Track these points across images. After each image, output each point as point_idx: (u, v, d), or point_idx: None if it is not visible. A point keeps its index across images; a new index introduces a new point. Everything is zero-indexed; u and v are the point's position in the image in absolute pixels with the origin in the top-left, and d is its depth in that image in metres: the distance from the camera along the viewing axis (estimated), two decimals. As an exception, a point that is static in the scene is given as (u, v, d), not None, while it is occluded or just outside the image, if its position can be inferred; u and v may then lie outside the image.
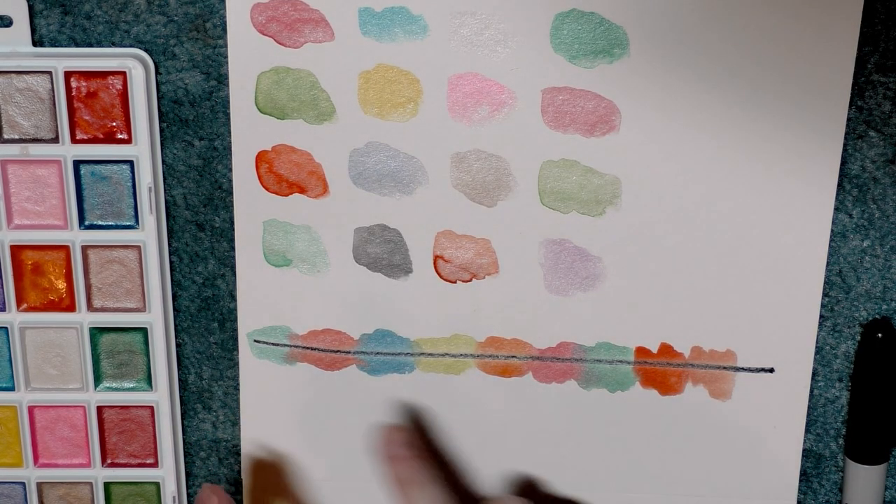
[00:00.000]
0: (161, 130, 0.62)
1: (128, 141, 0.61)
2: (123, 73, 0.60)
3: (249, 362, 0.65)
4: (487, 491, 0.67)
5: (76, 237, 0.63)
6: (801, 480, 0.67)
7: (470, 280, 0.63)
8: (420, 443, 0.63)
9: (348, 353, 0.65)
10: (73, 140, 0.61)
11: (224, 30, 0.60)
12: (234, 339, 0.65)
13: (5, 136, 0.62)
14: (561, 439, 0.66)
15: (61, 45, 0.61)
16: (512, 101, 0.60)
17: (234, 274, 0.64)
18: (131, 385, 0.66)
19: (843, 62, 0.59)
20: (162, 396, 0.65)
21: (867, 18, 0.58)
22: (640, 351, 0.64)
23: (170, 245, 0.64)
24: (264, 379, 0.65)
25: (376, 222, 0.63)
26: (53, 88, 0.61)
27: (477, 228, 0.63)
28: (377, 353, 0.65)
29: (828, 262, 0.63)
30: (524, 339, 0.64)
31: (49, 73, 0.60)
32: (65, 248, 0.63)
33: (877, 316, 0.64)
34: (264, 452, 0.66)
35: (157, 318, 0.64)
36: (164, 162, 0.63)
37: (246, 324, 0.65)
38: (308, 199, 0.62)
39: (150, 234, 0.63)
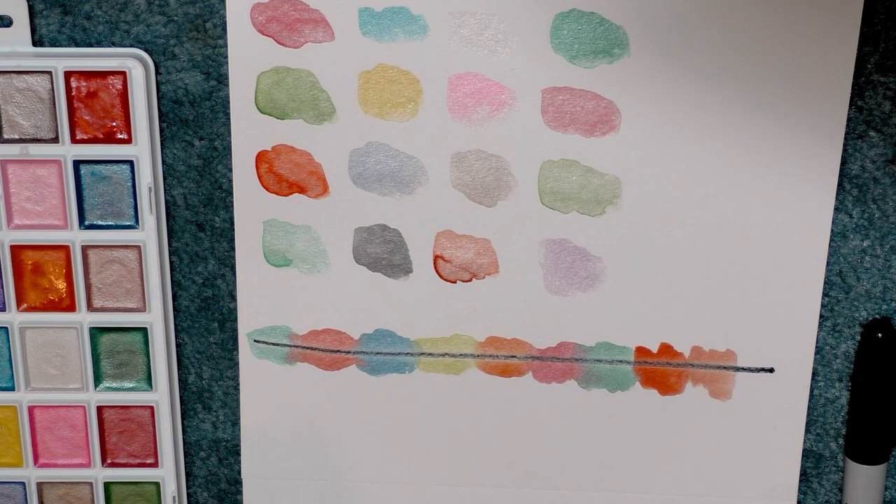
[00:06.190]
0: (161, 130, 0.62)
1: (128, 141, 0.61)
2: (123, 73, 0.60)
3: (249, 362, 0.65)
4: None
5: (76, 237, 0.63)
6: (801, 480, 0.67)
7: (470, 280, 0.63)
8: None
9: (348, 353, 0.65)
10: (73, 140, 0.61)
11: (224, 30, 0.60)
12: (234, 339, 0.65)
13: (5, 136, 0.62)
14: (561, 439, 0.66)
15: (61, 45, 0.61)
16: (512, 101, 0.60)
17: (234, 274, 0.64)
18: (131, 385, 0.66)
19: (843, 62, 0.59)
20: (162, 396, 0.65)
21: (867, 18, 0.58)
22: (640, 351, 0.64)
23: (170, 245, 0.64)
24: (264, 379, 0.65)
25: (376, 222, 0.63)
26: (53, 88, 0.61)
27: (477, 228, 0.62)
28: (377, 353, 0.65)
29: (828, 262, 0.63)
30: (524, 339, 0.64)
31: (49, 73, 0.60)
32: (65, 248, 0.63)
33: (877, 316, 0.64)
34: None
35: (157, 318, 0.64)
36: (164, 162, 0.63)
37: (246, 324, 0.65)
38: (308, 199, 0.62)
39: (150, 234, 0.63)
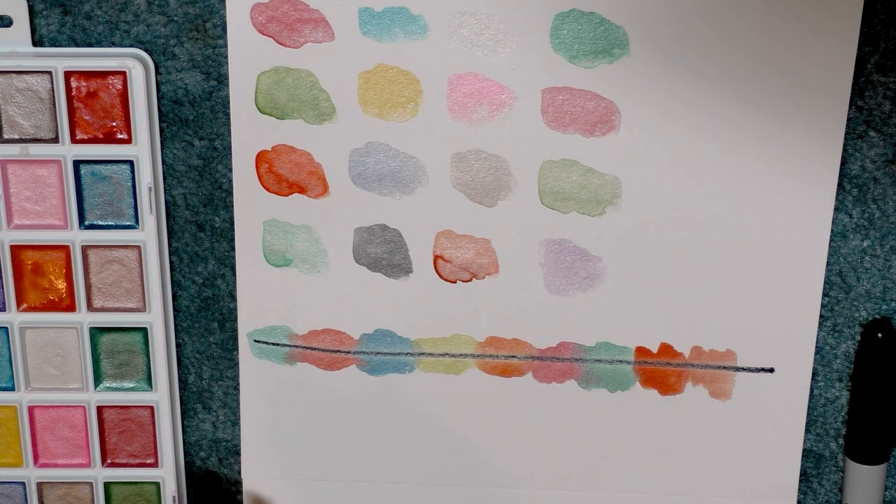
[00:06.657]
0: (161, 130, 0.62)
1: (128, 141, 0.61)
2: (123, 73, 0.60)
3: (249, 362, 0.65)
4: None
5: (76, 237, 0.63)
6: (801, 480, 0.67)
7: (470, 280, 0.63)
8: None
9: (348, 353, 0.65)
10: (73, 140, 0.61)
11: (224, 30, 0.60)
12: (234, 339, 0.65)
13: (5, 136, 0.62)
14: (561, 439, 0.66)
15: (61, 45, 0.61)
16: (512, 101, 0.60)
17: (234, 274, 0.64)
18: (131, 385, 0.66)
19: (843, 62, 0.59)
20: (162, 396, 0.65)
21: (867, 18, 0.58)
22: (640, 351, 0.64)
23: (170, 245, 0.64)
24: (264, 379, 0.65)
25: (376, 222, 0.63)
26: (53, 88, 0.61)
27: (477, 228, 0.62)
28: (377, 353, 0.65)
29: (828, 262, 0.63)
30: (524, 339, 0.64)
31: (49, 73, 0.60)
32: (65, 248, 0.63)
33: (877, 316, 0.64)
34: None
35: (157, 318, 0.64)
36: (164, 162, 0.63)
37: (246, 324, 0.65)
38: (308, 199, 0.62)
39: (150, 234, 0.63)
